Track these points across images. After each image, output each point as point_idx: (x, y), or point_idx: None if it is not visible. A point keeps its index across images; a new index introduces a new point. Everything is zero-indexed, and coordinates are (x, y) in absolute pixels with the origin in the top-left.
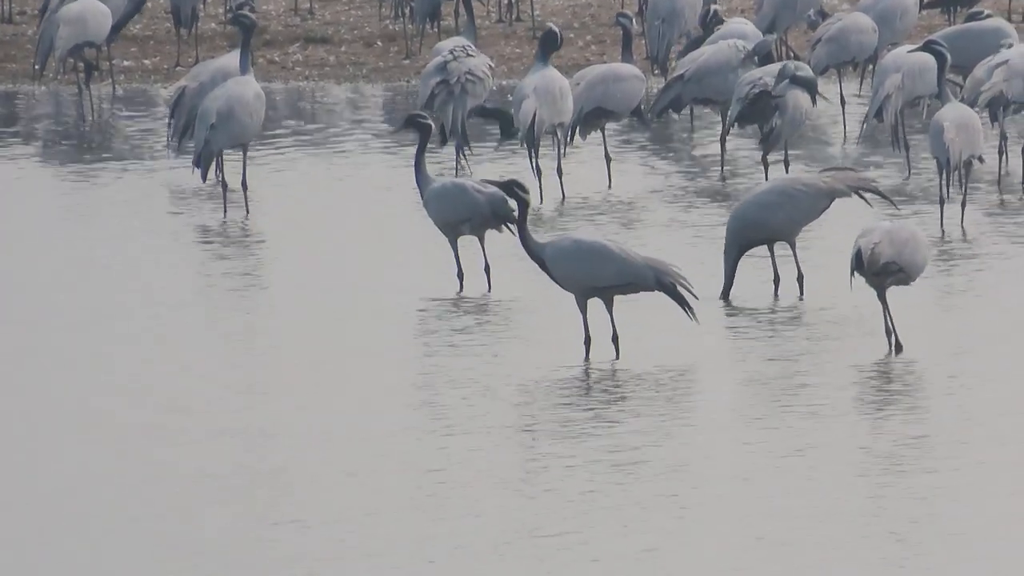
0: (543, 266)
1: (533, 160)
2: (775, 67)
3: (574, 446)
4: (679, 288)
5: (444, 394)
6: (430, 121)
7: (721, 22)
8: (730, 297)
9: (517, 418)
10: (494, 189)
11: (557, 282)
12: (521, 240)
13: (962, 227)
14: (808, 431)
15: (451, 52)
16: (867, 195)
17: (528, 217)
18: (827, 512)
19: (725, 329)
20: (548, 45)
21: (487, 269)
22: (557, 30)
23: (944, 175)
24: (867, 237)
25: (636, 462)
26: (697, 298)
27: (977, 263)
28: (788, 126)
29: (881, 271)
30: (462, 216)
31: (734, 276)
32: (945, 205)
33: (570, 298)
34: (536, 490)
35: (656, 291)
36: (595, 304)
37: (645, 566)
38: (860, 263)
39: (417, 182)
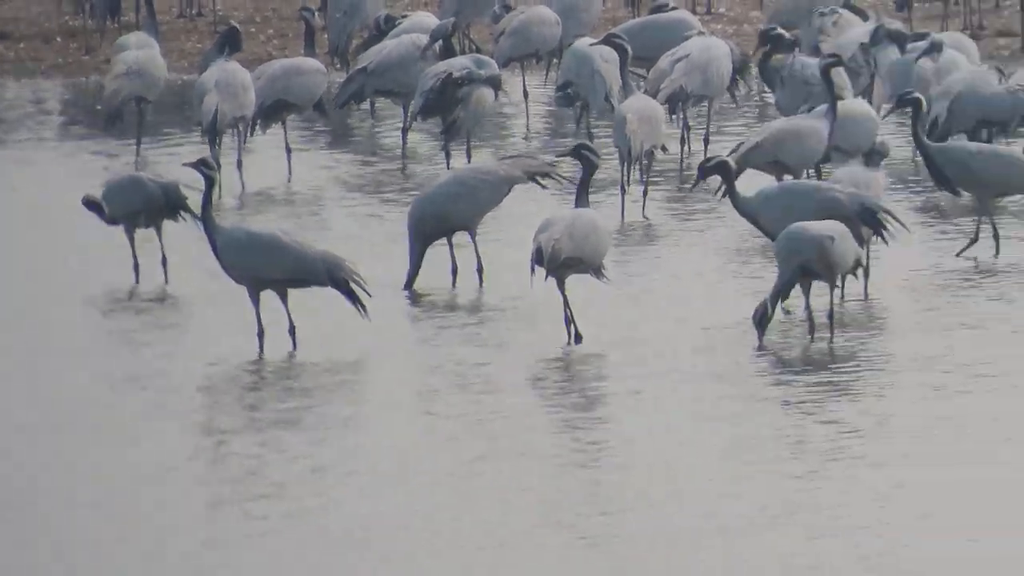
0: (215, 249)
1: (215, 151)
2: (458, 60)
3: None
4: (352, 284)
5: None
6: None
7: (394, 21)
8: (413, 288)
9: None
10: (167, 179)
11: (227, 271)
12: (202, 216)
13: (644, 215)
14: (490, 410)
15: None
16: (544, 180)
17: (211, 201)
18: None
19: (407, 320)
20: (231, 42)
21: (163, 262)
22: (239, 28)
23: (626, 165)
24: (547, 232)
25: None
26: (371, 295)
27: (656, 250)
28: (470, 118)
29: (562, 265)
30: (138, 206)
31: (419, 267)
32: (626, 194)
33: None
34: None
35: (328, 286)
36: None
37: None
38: (541, 258)
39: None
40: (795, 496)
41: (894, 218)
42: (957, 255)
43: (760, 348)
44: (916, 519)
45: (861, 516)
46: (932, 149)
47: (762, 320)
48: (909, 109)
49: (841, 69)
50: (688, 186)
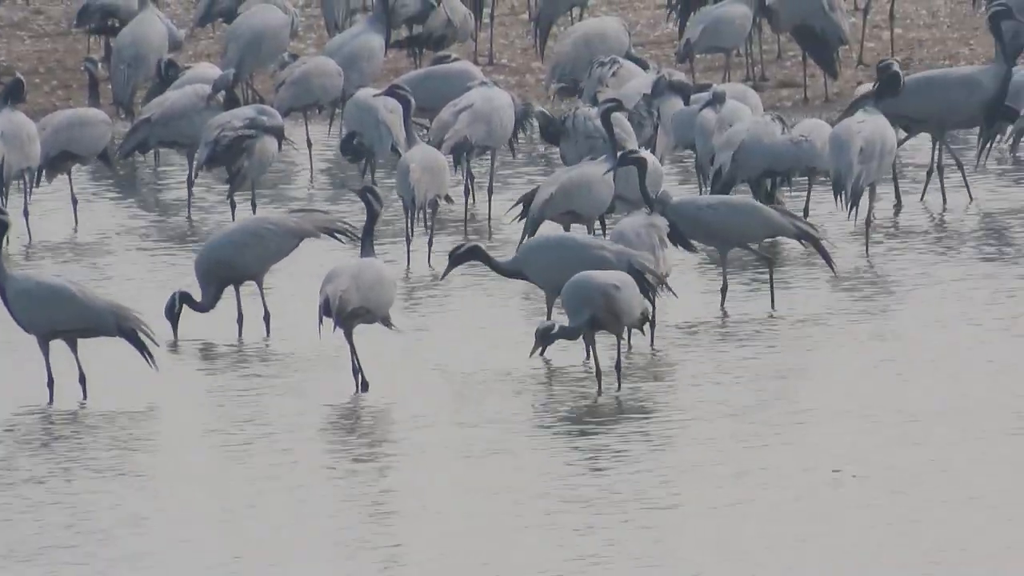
0: (3, 298)
1: (1, 202)
2: (242, 111)
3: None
4: (140, 334)
5: None
6: None
7: (177, 69)
8: (178, 339)
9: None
10: None
11: (17, 321)
12: None
13: (429, 264)
14: (271, 465)
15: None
16: (337, 234)
17: (5, 241)
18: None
19: (194, 371)
20: (13, 93)
21: None
22: (22, 79)
23: (410, 214)
24: (334, 283)
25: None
26: (158, 344)
27: (440, 299)
28: (255, 168)
29: (350, 315)
30: None
31: (211, 306)
32: (411, 243)
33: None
34: None
35: (117, 336)
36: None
37: None
38: (328, 309)
39: None
40: (573, 546)
41: (657, 278)
42: (721, 307)
43: (534, 355)
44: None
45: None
46: (665, 207)
47: (545, 336)
48: (634, 167)
49: (625, 119)
50: (473, 236)
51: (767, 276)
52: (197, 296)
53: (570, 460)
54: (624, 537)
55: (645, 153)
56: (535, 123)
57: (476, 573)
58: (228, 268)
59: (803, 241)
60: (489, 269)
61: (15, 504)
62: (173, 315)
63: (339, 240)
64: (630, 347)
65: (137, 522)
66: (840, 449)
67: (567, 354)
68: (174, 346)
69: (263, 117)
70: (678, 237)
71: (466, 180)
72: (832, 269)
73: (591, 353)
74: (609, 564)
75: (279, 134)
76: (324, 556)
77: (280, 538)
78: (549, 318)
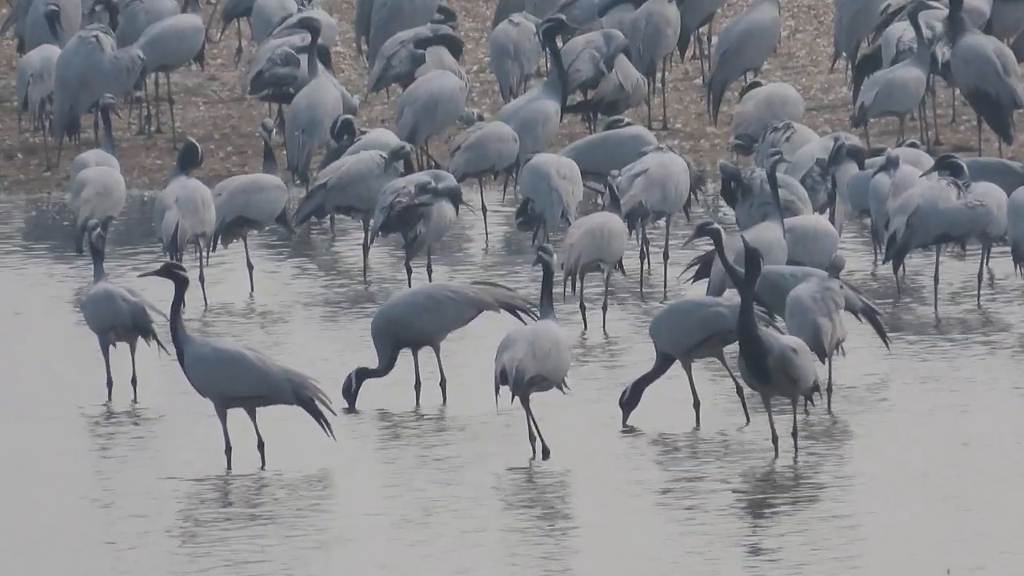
0: (182, 362)
1: None
2: (418, 176)
3: None
4: (317, 403)
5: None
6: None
7: (352, 132)
8: (376, 404)
9: None
10: (137, 299)
11: (194, 386)
12: (171, 325)
13: (604, 330)
14: (459, 532)
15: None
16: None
17: (180, 309)
18: None
19: (373, 440)
20: (188, 159)
21: (134, 380)
22: (198, 145)
23: (569, 280)
24: (510, 352)
25: None
26: (335, 414)
27: (617, 364)
28: (432, 234)
29: (527, 384)
30: (109, 323)
31: (386, 372)
32: (586, 311)
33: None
34: None
35: (294, 404)
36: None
37: None
38: (505, 378)
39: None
40: None
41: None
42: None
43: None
44: None
45: None
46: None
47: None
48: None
49: (797, 183)
50: (651, 304)
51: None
52: (372, 364)
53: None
54: None
55: (820, 218)
56: (707, 189)
57: None
58: (405, 329)
59: (860, 316)
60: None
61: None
62: (351, 395)
63: (519, 318)
64: (807, 413)
65: None
66: None
67: (739, 420)
68: (351, 412)
69: (440, 182)
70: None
71: (642, 245)
72: (886, 344)
73: (768, 413)
74: None
75: (456, 198)
76: None
77: None
78: (693, 388)
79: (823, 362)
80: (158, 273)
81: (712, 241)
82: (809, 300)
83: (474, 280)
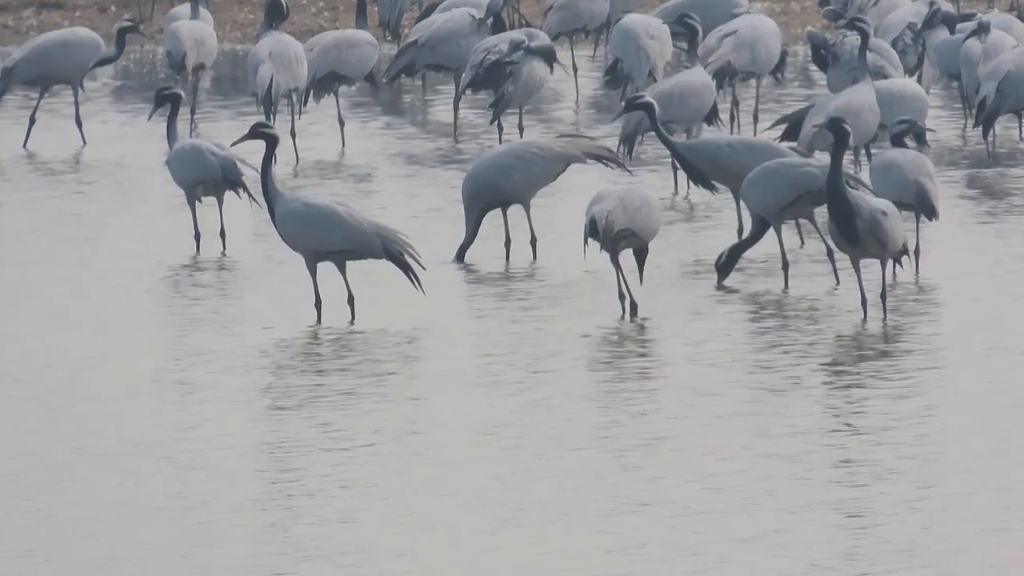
0: (272, 217)
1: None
2: (510, 35)
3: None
4: (406, 257)
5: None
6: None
7: None
8: (465, 259)
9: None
10: (227, 153)
11: (284, 241)
12: (262, 181)
13: (687, 190)
14: (545, 393)
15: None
16: (605, 161)
17: (271, 166)
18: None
19: (462, 294)
20: (275, 13)
21: (222, 233)
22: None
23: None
24: (600, 204)
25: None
26: (424, 268)
27: (697, 226)
28: (520, 93)
29: (616, 237)
30: (197, 177)
31: (474, 237)
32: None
33: (298, 259)
34: None
35: (383, 259)
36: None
37: None
38: (594, 230)
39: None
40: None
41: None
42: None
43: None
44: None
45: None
46: (680, 147)
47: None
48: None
49: (889, 46)
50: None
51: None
52: (462, 222)
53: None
54: None
55: (910, 82)
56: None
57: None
58: (494, 191)
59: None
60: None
61: (317, 428)
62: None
63: (607, 166)
64: (895, 276)
65: (403, 436)
66: None
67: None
68: (440, 266)
69: (532, 41)
70: (696, 176)
71: (731, 106)
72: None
73: (858, 282)
74: None
75: (549, 57)
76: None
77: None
78: (783, 250)
79: (931, 219)
80: (248, 136)
81: (648, 115)
82: (905, 161)
83: (559, 134)
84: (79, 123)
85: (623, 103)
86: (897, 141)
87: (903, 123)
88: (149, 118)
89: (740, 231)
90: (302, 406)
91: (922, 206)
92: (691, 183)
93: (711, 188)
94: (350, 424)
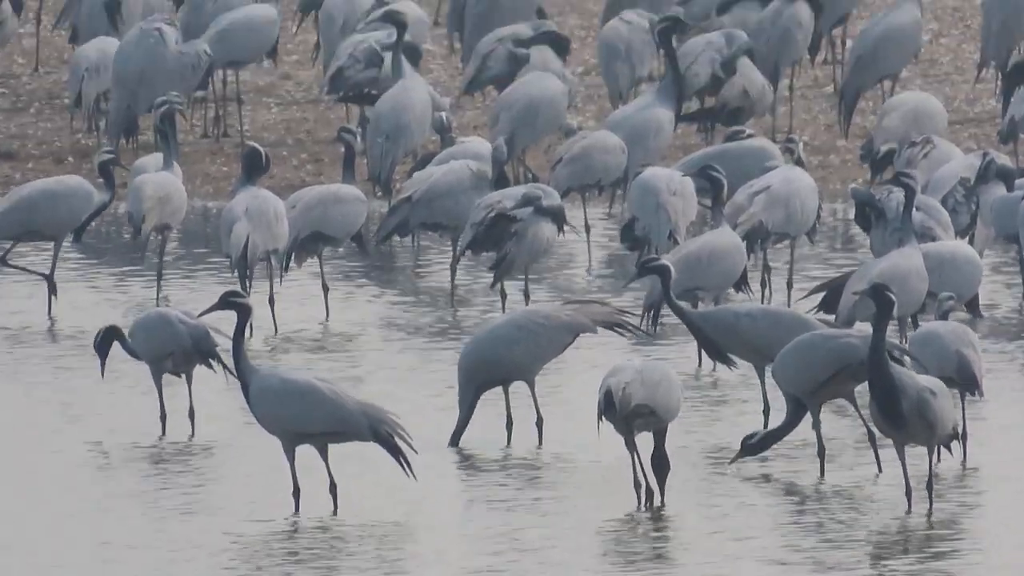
0: (246, 395)
1: (246, 287)
2: (516, 190)
3: None
4: (396, 439)
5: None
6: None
7: (449, 132)
8: (460, 443)
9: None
10: (197, 321)
11: (259, 421)
12: (234, 354)
13: (699, 359)
14: None
15: None
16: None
17: (243, 338)
18: None
19: (457, 482)
20: (253, 166)
21: (191, 413)
22: (262, 150)
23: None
24: (616, 377)
25: None
26: (416, 452)
27: (726, 403)
28: (524, 254)
29: (632, 414)
30: (165, 349)
31: (469, 419)
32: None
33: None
34: None
35: (371, 441)
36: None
37: None
38: (609, 405)
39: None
40: None
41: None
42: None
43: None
44: None
45: None
46: (693, 316)
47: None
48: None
49: (939, 205)
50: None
51: None
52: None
53: None
54: None
55: (962, 244)
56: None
57: None
58: (494, 367)
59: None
60: None
61: None
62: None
63: (622, 335)
64: (939, 461)
65: None
66: None
67: (871, 470)
68: (436, 451)
69: (538, 197)
70: (710, 348)
71: (762, 272)
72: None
73: (903, 468)
74: None
75: (559, 218)
76: None
77: None
78: (819, 434)
79: (975, 394)
80: (218, 306)
81: (661, 280)
82: (946, 331)
83: (566, 300)
84: (52, 286)
85: (636, 267)
86: (945, 319)
87: (951, 299)
88: (102, 375)
89: (766, 411)
90: None
91: (964, 379)
92: (706, 356)
93: (729, 363)
94: None
